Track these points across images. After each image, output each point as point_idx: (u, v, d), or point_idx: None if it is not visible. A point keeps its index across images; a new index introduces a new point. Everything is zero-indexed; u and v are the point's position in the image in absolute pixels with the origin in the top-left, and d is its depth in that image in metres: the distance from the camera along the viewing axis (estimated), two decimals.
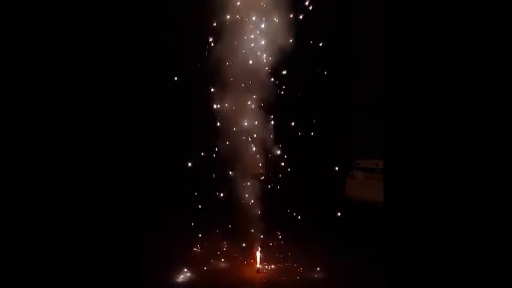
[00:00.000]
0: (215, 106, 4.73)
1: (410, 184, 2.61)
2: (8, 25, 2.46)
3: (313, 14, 5.68)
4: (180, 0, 5.10)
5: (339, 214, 6.02)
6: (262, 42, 4.64)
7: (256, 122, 4.75)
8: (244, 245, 4.65)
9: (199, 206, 5.24)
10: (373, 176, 6.36)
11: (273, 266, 4.35)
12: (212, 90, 4.65)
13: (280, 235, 5.04)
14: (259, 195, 4.82)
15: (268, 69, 4.75)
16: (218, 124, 4.75)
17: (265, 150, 4.89)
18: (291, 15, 4.87)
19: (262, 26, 4.63)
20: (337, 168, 6.61)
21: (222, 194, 4.83)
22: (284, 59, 5.03)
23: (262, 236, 4.77)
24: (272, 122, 4.89)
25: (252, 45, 4.64)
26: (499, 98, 2.41)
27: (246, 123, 4.69)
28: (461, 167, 2.48)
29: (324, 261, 4.44)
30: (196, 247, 4.66)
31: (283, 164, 5.24)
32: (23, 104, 2.47)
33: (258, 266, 4.26)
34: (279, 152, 5.06)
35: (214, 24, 4.60)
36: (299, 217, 5.35)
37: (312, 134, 6.34)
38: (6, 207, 2.43)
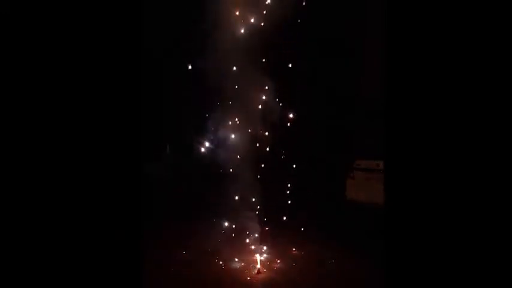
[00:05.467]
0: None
1: (410, 184, 2.60)
2: (7, 26, 2.46)
3: (314, 14, 5.69)
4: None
5: (339, 214, 6.04)
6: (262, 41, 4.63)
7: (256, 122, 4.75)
8: (244, 244, 4.66)
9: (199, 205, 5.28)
10: (374, 176, 6.37)
11: (274, 267, 4.35)
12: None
13: (280, 235, 5.04)
14: (259, 195, 4.82)
15: (268, 69, 4.74)
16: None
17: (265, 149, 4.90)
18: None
19: (262, 25, 4.62)
20: (337, 169, 6.64)
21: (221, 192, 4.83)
22: (284, 59, 5.04)
23: (262, 237, 4.78)
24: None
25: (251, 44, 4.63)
26: (499, 98, 2.40)
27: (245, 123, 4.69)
28: (461, 167, 2.47)
29: (324, 261, 4.45)
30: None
31: (283, 163, 5.25)
32: (21, 104, 2.47)
33: (258, 266, 4.25)
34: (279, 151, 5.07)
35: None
36: (299, 217, 5.36)
37: (313, 134, 6.36)
38: (2, 208, 2.43)
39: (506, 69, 2.38)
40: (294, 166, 5.41)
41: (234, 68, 4.58)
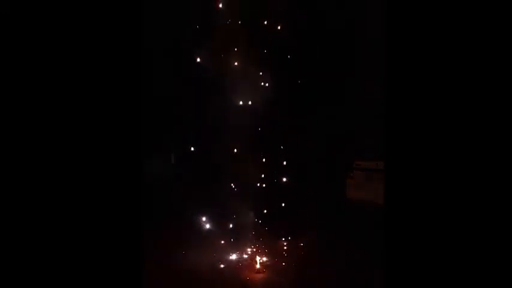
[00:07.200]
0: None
1: (411, 184, 2.60)
2: (7, 25, 2.46)
3: (314, 14, 5.69)
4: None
5: (339, 214, 6.04)
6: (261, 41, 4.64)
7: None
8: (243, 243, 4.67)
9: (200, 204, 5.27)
10: (373, 176, 6.37)
11: (274, 267, 4.35)
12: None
13: (279, 235, 5.04)
14: (259, 195, 4.82)
15: (267, 69, 4.74)
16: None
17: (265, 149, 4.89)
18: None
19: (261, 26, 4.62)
20: (337, 169, 6.64)
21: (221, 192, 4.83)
22: (284, 59, 5.03)
23: (262, 237, 4.78)
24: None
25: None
26: (499, 98, 2.40)
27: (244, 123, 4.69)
28: (461, 167, 2.47)
29: (324, 261, 4.45)
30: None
31: (284, 163, 5.25)
32: (21, 101, 2.47)
33: (258, 266, 4.26)
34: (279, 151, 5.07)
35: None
36: (299, 216, 5.36)
37: (312, 134, 6.36)
38: (1, 207, 2.42)
39: (505, 70, 2.39)
40: (294, 166, 5.40)
41: (232, 68, 4.58)
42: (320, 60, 6.35)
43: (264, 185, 4.85)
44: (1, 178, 2.43)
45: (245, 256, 4.56)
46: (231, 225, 4.73)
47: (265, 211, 4.88)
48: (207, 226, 4.76)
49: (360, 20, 6.61)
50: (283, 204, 5.08)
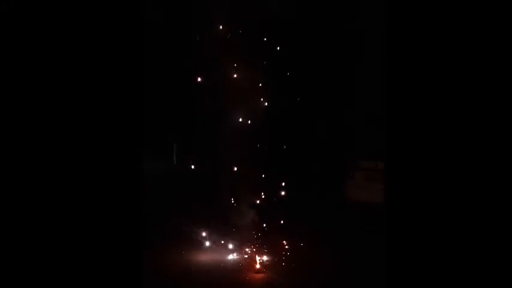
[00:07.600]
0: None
1: (410, 184, 2.61)
2: (9, 24, 2.46)
3: (313, 16, 5.71)
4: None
5: (339, 214, 6.06)
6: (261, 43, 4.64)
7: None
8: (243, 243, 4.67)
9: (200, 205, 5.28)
10: (373, 176, 6.40)
11: (274, 267, 4.35)
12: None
13: (279, 235, 5.04)
14: (259, 195, 4.82)
15: (267, 71, 4.74)
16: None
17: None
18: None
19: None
20: (337, 169, 6.67)
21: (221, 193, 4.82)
22: (283, 61, 5.04)
23: (261, 237, 4.78)
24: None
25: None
26: (499, 98, 2.41)
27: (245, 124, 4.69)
28: (461, 167, 2.48)
29: (324, 261, 4.46)
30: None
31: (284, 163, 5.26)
32: (23, 99, 2.47)
33: (257, 266, 4.26)
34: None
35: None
36: (299, 217, 5.37)
37: (313, 135, 6.38)
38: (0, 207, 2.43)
39: (505, 70, 2.39)
40: (294, 166, 5.41)
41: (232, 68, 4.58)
42: (320, 61, 6.37)
43: (263, 196, 4.85)
44: (1, 178, 2.43)
45: (245, 256, 4.56)
46: (230, 246, 4.70)
47: (264, 211, 4.88)
48: (207, 244, 4.78)
49: (360, 27, 6.63)
50: (282, 222, 5.06)
